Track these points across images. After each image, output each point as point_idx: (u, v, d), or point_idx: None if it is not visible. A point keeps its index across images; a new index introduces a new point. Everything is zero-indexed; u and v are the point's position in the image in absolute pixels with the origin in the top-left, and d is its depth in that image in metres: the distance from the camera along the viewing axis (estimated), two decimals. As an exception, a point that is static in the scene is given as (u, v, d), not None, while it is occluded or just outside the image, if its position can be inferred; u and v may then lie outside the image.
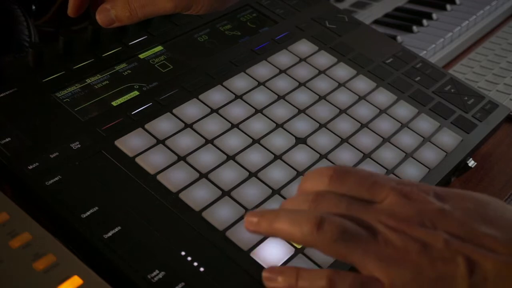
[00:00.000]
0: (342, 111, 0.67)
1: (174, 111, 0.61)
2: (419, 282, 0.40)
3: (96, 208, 0.51)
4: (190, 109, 0.62)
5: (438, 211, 0.42)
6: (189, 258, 0.50)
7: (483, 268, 0.40)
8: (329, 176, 0.45)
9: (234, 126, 0.62)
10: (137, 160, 0.56)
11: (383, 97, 0.70)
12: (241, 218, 0.53)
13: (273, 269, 0.43)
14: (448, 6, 1.05)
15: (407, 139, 0.66)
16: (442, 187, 0.45)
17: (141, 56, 0.67)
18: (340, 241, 0.41)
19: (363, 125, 0.66)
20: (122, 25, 0.63)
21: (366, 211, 0.43)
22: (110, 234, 0.50)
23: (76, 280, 0.45)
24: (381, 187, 0.44)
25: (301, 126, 0.64)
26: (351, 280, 0.41)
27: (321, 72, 0.71)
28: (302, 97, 0.67)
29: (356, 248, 0.41)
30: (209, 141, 0.59)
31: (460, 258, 0.40)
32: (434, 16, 1.02)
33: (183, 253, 0.50)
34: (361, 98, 0.69)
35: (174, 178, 0.55)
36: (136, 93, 0.62)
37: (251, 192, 0.56)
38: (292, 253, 0.52)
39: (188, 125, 0.60)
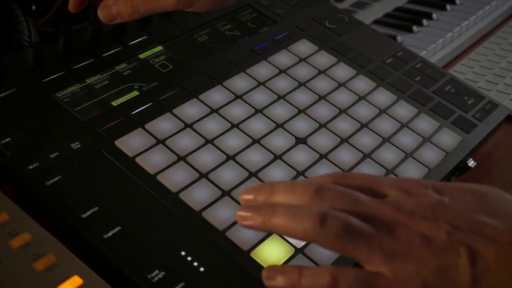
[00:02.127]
0: (342, 111, 0.67)
1: (174, 111, 0.61)
2: (423, 273, 0.40)
3: (96, 208, 0.51)
4: (190, 109, 0.62)
5: (438, 203, 0.42)
6: (189, 258, 0.50)
7: (485, 257, 0.40)
8: (330, 178, 0.45)
9: (234, 126, 0.62)
10: (137, 160, 0.56)
11: (383, 97, 0.70)
12: (241, 218, 0.54)
13: (273, 268, 0.43)
14: (448, 6, 1.05)
15: (407, 139, 0.66)
16: (440, 181, 0.45)
17: (141, 56, 0.67)
18: (344, 237, 0.41)
19: (363, 125, 0.66)
20: (123, 22, 0.63)
21: (370, 205, 0.43)
22: (110, 234, 0.50)
23: (76, 280, 0.45)
24: (381, 185, 0.44)
25: (301, 126, 0.64)
26: (355, 275, 0.41)
27: (321, 72, 0.71)
28: (302, 97, 0.67)
29: (360, 243, 0.41)
30: (209, 141, 0.59)
31: (462, 249, 0.40)
32: (434, 16, 1.02)
33: (183, 253, 0.50)
34: (361, 98, 0.69)
35: (174, 178, 0.55)
36: (136, 93, 0.62)
37: (251, 192, 0.56)
38: (292, 253, 0.52)
39: (188, 125, 0.60)
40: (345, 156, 0.62)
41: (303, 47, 0.74)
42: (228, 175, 0.57)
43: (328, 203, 0.42)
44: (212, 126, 0.61)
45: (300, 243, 0.52)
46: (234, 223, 0.53)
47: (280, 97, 0.66)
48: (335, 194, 0.43)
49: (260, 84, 0.67)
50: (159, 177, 0.55)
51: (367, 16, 1.01)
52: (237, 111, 0.63)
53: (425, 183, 0.45)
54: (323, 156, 0.61)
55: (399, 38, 0.94)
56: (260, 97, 0.66)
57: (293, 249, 0.52)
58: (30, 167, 0.53)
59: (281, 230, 0.42)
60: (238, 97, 0.65)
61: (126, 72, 0.64)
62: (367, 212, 0.42)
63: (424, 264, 0.40)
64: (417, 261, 0.40)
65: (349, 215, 0.41)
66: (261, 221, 0.42)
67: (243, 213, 0.43)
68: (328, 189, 0.43)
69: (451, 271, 0.40)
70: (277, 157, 0.60)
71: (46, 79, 0.61)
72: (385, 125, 0.67)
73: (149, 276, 0.47)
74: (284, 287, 0.42)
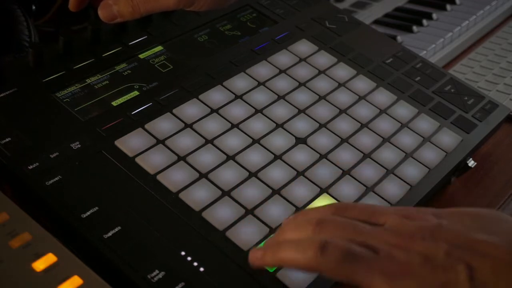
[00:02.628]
0: (342, 111, 0.67)
1: (174, 111, 0.61)
2: None
3: (96, 208, 0.51)
4: (190, 109, 0.62)
5: (437, 226, 0.44)
6: (189, 258, 0.50)
7: (482, 273, 0.41)
8: (331, 209, 0.46)
9: (234, 126, 0.62)
10: (137, 160, 0.56)
11: (383, 97, 0.70)
12: (241, 218, 0.54)
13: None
14: (448, 6, 1.05)
15: (407, 139, 0.66)
16: (439, 208, 0.47)
17: (141, 56, 0.67)
18: (345, 262, 0.42)
19: (363, 125, 0.66)
20: (124, 21, 0.63)
21: (370, 233, 0.44)
22: (110, 234, 0.50)
23: (76, 280, 0.45)
24: (381, 213, 0.46)
25: (301, 126, 0.64)
26: None
27: (321, 72, 0.71)
28: (302, 97, 0.67)
29: (360, 267, 0.42)
30: (209, 141, 0.59)
31: (461, 266, 0.41)
32: (434, 16, 1.02)
33: (183, 253, 0.50)
34: (361, 98, 0.69)
35: (174, 178, 0.55)
36: (136, 93, 0.62)
37: (251, 192, 0.56)
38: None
39: (188, 125, 0.60)
40: (345, 156, 0.62)
41: (303, 47, 0.74)
42: (228, 175, 0.57)
43: (330, 234, 0.44)
44: (212, 126, 0.61)
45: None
46: (234, 223, 0.53)
47: (280, 97, 0.66)
48: (335, 224, 0.45)
49: (260, 84, 0.67)
50: (159, 177, 0.55)
51: (367, 16, 1.01)
52: (237, 111, 0.63)
53: (424, 209, 0.46)
54: (323, 156, 0.61)
55: (399, 38, 0.94)
56: (260, 97, 0.66)
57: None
58: (30, 167, 0.53)
59: (287, 262, 0.44)
60: (238, 97, 0.65)
61: (126, 72, 0.64)
62: (367, 239, 0.43)
63: (424, 283, 0.41)
64: (417, 280, 0.41)
65: (349, 242, 0.43)
66: (269, 258, 0.45)
67: (255, 254, 0.46)
68: (329, 221, 0.45)
69: (450, 287, 0.41)
70: (277, 157, 0.60)
71: (46, 79, 0.61)
72: (385, 125, 0.67)
73: (149, 276, 0.47)
74: None
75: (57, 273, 0.45)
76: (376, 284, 0.41)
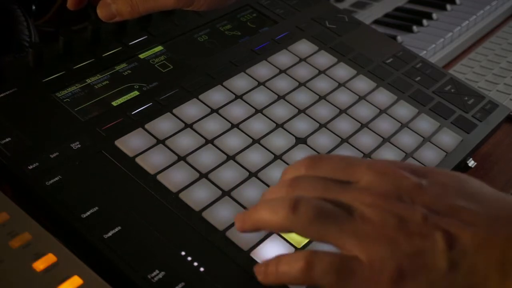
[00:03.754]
0: (342, 111, 0.67)
1: (174, 111, 0.61)
2: (397, 257, 0.39)
3: (96, 208, 0.51)
4: (190, 109, 0.62)
5: (416, 186, 0.42)
6: (189, 258, 0.50)
7: (462, 242, 0.39)
8: (305, 164, 0.45)
9: (234, 126, 0.62)
10: (137, 160, 0.56)
11: (383, 97, 0.70)
12: (241, 218, 0.54)
13: (259, 264, 0.45)
14: (448, 6, 1.05)
15: (407, 139, 0.66)
16: (419, 165, 0.45)
17: (141, 56, 0.67)
18: (316, 222, 0.41)
19: (363, 125, 0.66)
20: (123, 20, 0.63)
21: (343, 191, 0.42)
22: (110, 234, 0.50)
23: (76, 280, 0.45)
24: (356, 167, 0.43)
25: (301, 126, 0.64)
26: (329, 259, 0.40)
27: (321, 72, 0.71)
28: (302, 97, 0.67)
29: (333, 228, 0.40)
30: (209, 141, 0.59)
31: (439, 233, 0.39)
32: (434, 16, 1.02)
33: (183, 253, 0.50)
34: (361, 98, 0.69)
35: (174, 178, 0.55)
36: (136, 93, 0.62)
37: (251, 192, 0.56)
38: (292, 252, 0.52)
39: (188, 125, 0.60)
40: (345, 156, 0.62)
41: (303, 47, 0.74)
42: (228, 175, 0.57)
43: (303, 193, 0.43)
44: (212, 126, 0.61)
45: (300, 243, 0.52)
46: (234, 223, 0.53)
47: (280, 97, 0.66)
48: (308, 183, 0.43)
49: (260, 84, 0.67)
50: (159, 177, 0.55)
51: (367, 16, 1.01)
52: (237, 111, 0.63)
53: (403, 165, 0.44)
54: (323, 156, 0.61)
55: (399, 38, 0.94)
56: (260, 97, 0.66)
57: (293, 249, 0.52)
58: (30, 167, 0.53)
59: (262, 223, 0.43)
60: (238, 97, 0.65)
61: (126, 72, 0.64)
62: (340, 197, 0.42)
63: (399, 248, 0.39)
64: (391, 244, 0.39)
65: (322, 200, 0.41)
66: (248, 222, 0.44)
67: (237, 219, 0.46)
68: (302, 180, 0.44)
69: (427, 255, 0.39)
70: (277, 157, 0.60)
71: (46, 79, 0.61)
72: (385, 125, 0.67)
73: (149, 276, 0.47)
74: (267, 278, 0.43)
75: (57, 273, 0.45)
76: (349, 246, 0.40)
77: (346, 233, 0.40)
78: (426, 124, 0.68)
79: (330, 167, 0.44)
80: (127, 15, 0.62)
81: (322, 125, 0.64)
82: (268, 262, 0.44)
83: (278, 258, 0.43)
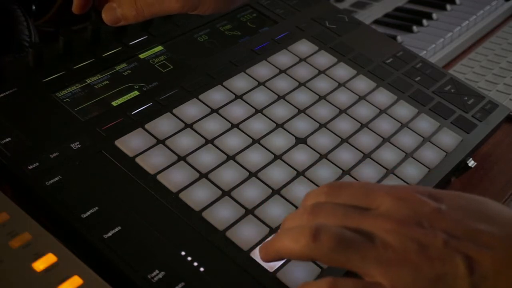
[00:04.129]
0: (342, 111, 0.67)
1: (174, 111, 0.61)
2: (419, 282, 0.40)
3: (96, 208, 0.51)
4: (190, 109, 0.62)
5: (435, 211, 0.42)
6: (189, 258, 0.50)
7: (482, 266, 0.39)
8: (325, 191, 0.45)
9: (234, 126, 0.62)
10: (137, 160, 0.56)
11: (383, 97, 0.70)
12: (241, 218, 0.53)
13: None
14: (448, 6, 1.05)
15: (407, 139, 0.66)
16: (437, 189, 0.45)
17: (141, 56, 0.67)
18: (338, 250, 0.41)
19: (363, 125, 0.66)
20: (127, 24, 0.62)
21: (363, 218, 0.43)
22: (110, 234, 0.50)
23: (76, 280, 0.45)
24: (375, 194, 0.44)
25: (301, 126, 0.64)
26: (352, 285, 0.41)
27: (321, 72, 0.71)
28: (302, 97, 0.67)
29: (354, 255, 0.41)
30: (209, 141, 0.59)
31: (459, 257, 0.40)
32: (434, 16, 1.02)
33: (183, 253, 0.50)
34: (361, 98, 0.69)
35: (174, 178, 0.55)
36: (136, 93, 0.62)
37: (251, 192, 0.56)
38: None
39: (188, 125, 0.60)
40: (345, 156, 0.62)
41: (303, 47, 0.74)
42: (228, 175, 0.57)
43: (323, 220, 0.43)
44: (212, 126, 0.61)
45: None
46: (234, 223, 0.53)
47: (280, 97, 0.66)
48: (328, 210, 0.43)
49: (260, 84, 0.67)
50: (159, 177, 0.55)
51: (367, 16, 1.01)
52: (237, 111, 0.63)
53: (421, 190, 0.44)
54: (323, 156, 0.61)
55: (399, 38, 0.94)
56: (260, 97, 0.66)
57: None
58: (30, 167, 0.53)
59: (284, 252, 0.44)
60: (238, 97, 0.65)
61: (126, 72, 0.64)
62: (361, 224, 0.42)
63: (421, 273, 0.40)
64: (413, 270, 0.40)
65: (342, 228, 0.42)
66: (270, 250, 0.45)
67: (259, 251, 0.46)
68: (322, 207, 0.44)
69: (449, 280, 0.39)
70: (277, 157, 0.60)
71: (46, 79, 0.61)
72: (385, 125, 0.67)
73: (149, 276, 0.47)
74: None
75: (57, 273, 0.45)
76: (372, 273, 0.40)
77: (368, 260, 0.40)
78: (426, 124, 0.68)
79: (349, 194, 0.44)
80: (132, 19, 0.61)
81: (322, 125, 0.64)
82: None
83: (303, 286, 0.43)
